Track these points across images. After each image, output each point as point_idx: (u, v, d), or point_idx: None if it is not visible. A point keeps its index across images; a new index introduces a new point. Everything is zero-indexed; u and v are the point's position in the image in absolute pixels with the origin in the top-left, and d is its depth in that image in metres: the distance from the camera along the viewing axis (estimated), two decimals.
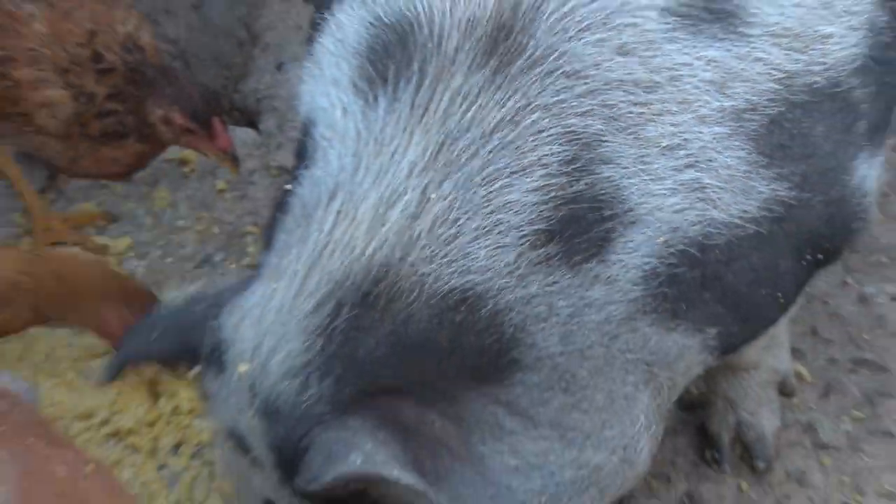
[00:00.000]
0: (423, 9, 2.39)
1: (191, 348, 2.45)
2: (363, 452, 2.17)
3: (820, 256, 2.52)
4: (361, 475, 2.15)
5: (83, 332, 3.42)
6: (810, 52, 2.40)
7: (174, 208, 3.92)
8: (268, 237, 2.45)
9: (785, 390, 3.20)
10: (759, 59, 2.38)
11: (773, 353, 3.12)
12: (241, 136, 3.68)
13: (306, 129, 2.50)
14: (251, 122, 3.93)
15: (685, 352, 2.47)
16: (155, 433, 3.24)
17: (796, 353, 3.26)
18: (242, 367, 2.32)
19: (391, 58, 2.41)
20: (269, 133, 3.99)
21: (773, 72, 2.38)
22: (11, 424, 2.33)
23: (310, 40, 2.62)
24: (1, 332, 3.04)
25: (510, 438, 2.44)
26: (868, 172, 2.56)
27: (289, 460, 2.26)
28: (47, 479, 2.24)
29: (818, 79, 2.41)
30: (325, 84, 2.51)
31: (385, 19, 2.44)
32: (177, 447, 3.21)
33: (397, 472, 2.13)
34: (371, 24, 2.46)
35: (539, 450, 2.45)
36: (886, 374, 3.28)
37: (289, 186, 2.45)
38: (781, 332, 3.06)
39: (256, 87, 4.02)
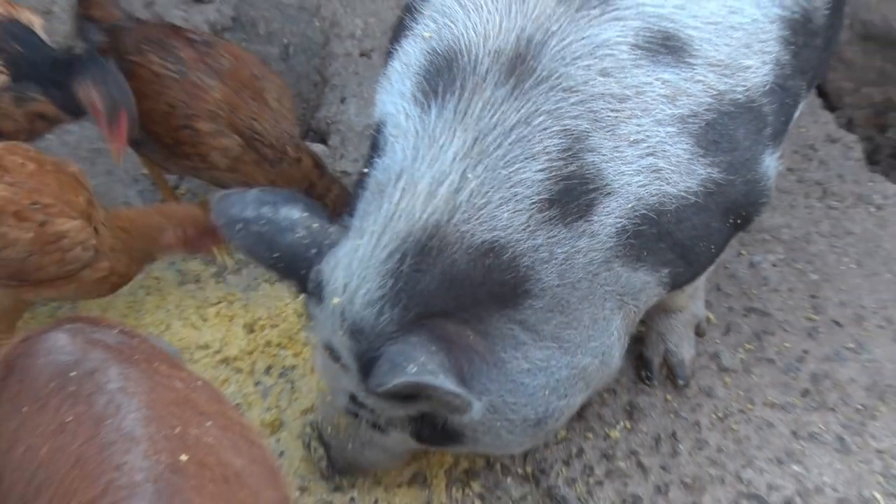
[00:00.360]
0: (464, 43, 2.76)
1: (277, 261, 2.87)
2: (417, 364, 2.55)
3: (738, 220, 2.91)
4: (413, 384, 2.56)
5: (203, 286, 3.83)
6: (735, 77, 2.76)
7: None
8: (351, 207, 2.84)
9: (699, 331, 3.49)
10: (699, 81, 2.72)
11: (694, 301, 3.39)
12: (315, 149, 3.87)
13: (379, 128, 2.87)
14: (322, 139, 4.30)
15: (646, 286, 2.83)
16: (253, 359, 3.53)
17: (706, 304, 3.52)
18: (336, 300, 2.72)
19: (441, 77, 2.76)
20: (334, 147, 4.29)
21: (709, 90, 2.72)
22: (142, 353, 2.49)
23: (385, 63, 3.00)
24: (121, 283, 3.36)
25: (523, 348, 2.77)
26: (770, 163, 2.91)
27: (366, 366, 2.66)
28: (168, 390, 2.40)
29: (740, 96, 2.77)
30: (394, 95, 2.86)
31: (438, 50, 2.79)
32: (268, 369, 3.52)
33: (440, 380, 2.54)
34: (427, 52, 2.81)
35: (543, 356, 2.79)
36: (768, 317, 3.53)
37: (365, 170, 2.88)
38: (701, 287, 3.38)
39: (326, 115, 4.33)
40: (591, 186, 2.68)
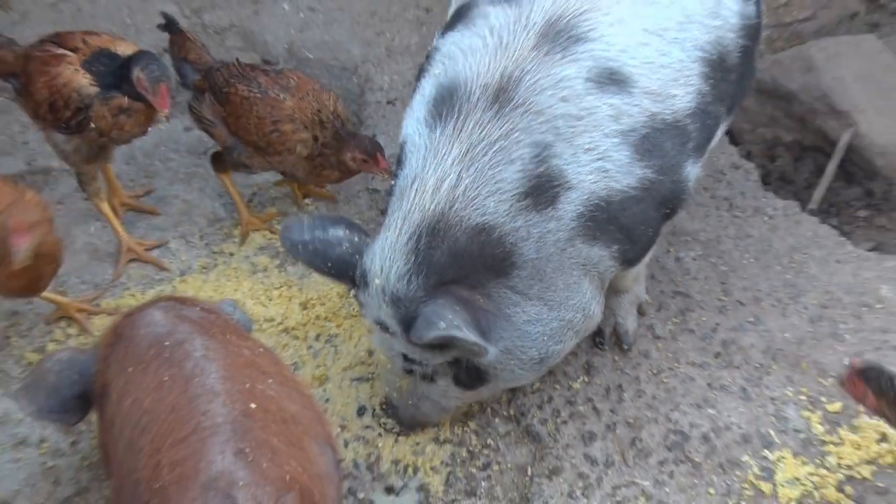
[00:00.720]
0: (462, 79, 2.95)
1: (331, 269, 3.09)
2: (446, 320, 2.78)
3: (668, 211, 3.10)
4: (443, 336, 2.79)
5: (269, 274, 3.96)
6: (665, 102, 2.95)
7: (316, 209, 4.24)
8: (384, 210, 3.12)
9: (639, 309, 3.63)
10: (637, 105, 2.91)
11: (636, 285, 3.54)
12: None
13: (402, 147, 3.08)
14: None
15: (602, 259, 3.01)
16: (306, 329, 3.69)
17: (645, 289, 3.64)
18: (377, 281, 2.93)
19: (444, 104, 2.96)
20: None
21: (645, 111, 2.91)
22: (218, 327, 2.71)
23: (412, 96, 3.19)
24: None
25: (518, 306, 2.97)
26: (692, 170, 3.09)
27: (408, 327, 2.86)
28: (238, 356, 2.59)
29: (669, 117, 2.96)
30: (412, 120, 3.07)
31: (443, 84, 3.01)
32: (317, 336, 3.69)
33: (464, 332, 2.77)
34: (436, 86, 3.03)
35: (535, 312, 2.99)
36: (690, 298, 3.67)
37: (392, 182, 3.12)
38: (641, 274, 3.52)
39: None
40: (556, 183, 2.86)
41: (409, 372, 3.12)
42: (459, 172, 2.87)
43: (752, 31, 3.26)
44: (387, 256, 2.92)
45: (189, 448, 2.29)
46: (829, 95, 4.33)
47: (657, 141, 2.95)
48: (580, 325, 3.11)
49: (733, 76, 3.19)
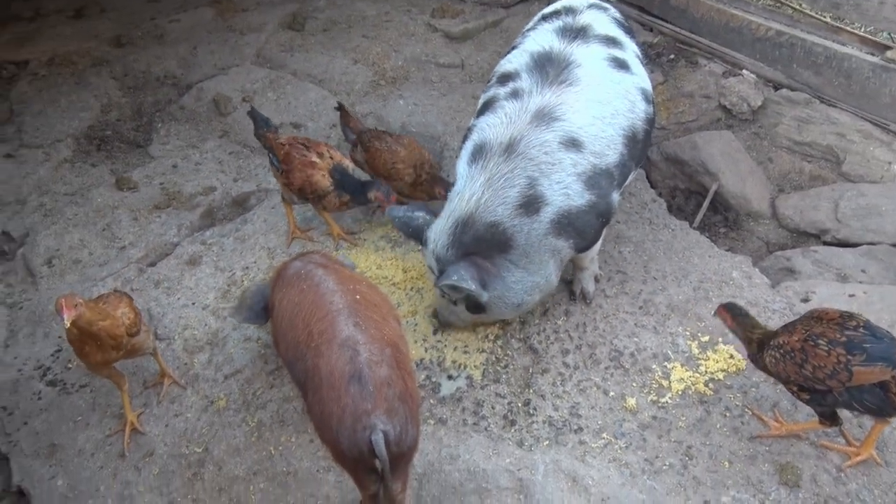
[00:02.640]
0: (488, 139, 2.94)
1: (411, 233, 3.09)
2: (458, 274, 2.87)
3: (603, 221, 3.05)
4: (454, 283, 2.87)
5: (384, 251, 3.74)
6: (602, 158, 2.96)
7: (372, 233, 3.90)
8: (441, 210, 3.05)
9: (596, 279, 3.45)
10: (586, 160, 2.91)
11: (593, 265, 3.38)
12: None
13: (455, 177, 3.07)
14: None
15: (564, 248, 2.98)
16: (405, 284, 3.55)
17: (600, 267, 3.52)
18: (430, 246, 2.98)
19: (478, 153, 2.96)
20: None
21: (591, 163, 2.92)
22: (333, 265, 2.77)
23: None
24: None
25: (510, 271, 2.94)
26: (615, 197, 3.06)
27: (440, 275, 2.94)
28: (346, 278, 2.64)
29: (604, 167, 2.96)
30: (461, 162, 3.06)
31: (477, 143, 2.99)
32: (411, 288, 3.52)
33: (468, 283, 2.85)
34: (474, 144, 3.01)
35: (520, 275, 2.97)
36: (625, 274, 3.53)
37: (447, 195, 3.12)
38: (595, 259, 3.37)
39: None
40: (539, 200, 2.86)
41: (443, 296, 3.11)
42: (483, 191, 2.89)
43: (651, 122, 3.27)
44: (438, 234, 2.97)
45: (327, 322, 2.39)
46: (705, 163, 4.23)
47: (597, 180, 2.96)
48: (544, 287, 3.08)
49: (640, 145, 3.17)
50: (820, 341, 2.41)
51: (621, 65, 3.16)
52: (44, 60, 5.12)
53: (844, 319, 2.44)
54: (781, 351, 2.51)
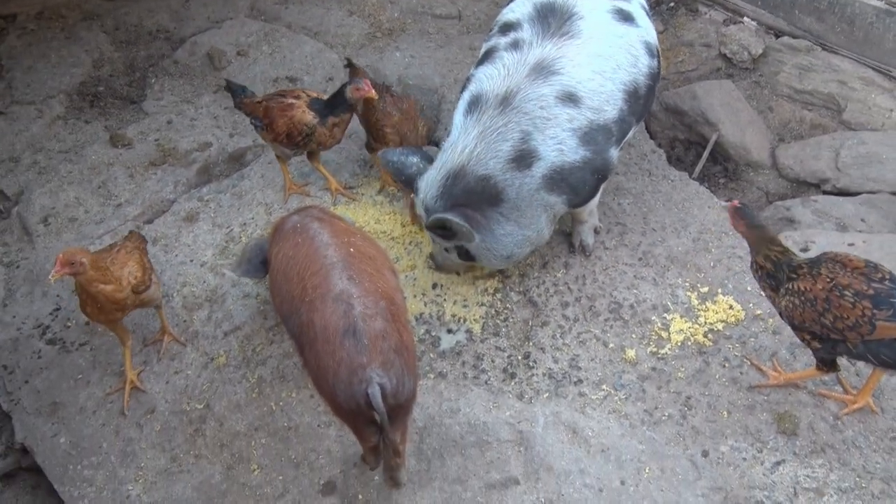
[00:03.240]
0: (484, 91, 2.88)
1: (404, 181, 3.01)
2: (450, 217, 2.78)
3: (599, 177, 3.00)
4: (448, 220, 2.77)
5: (383, 206, 3.64)
6: (600, 114, 2.88)
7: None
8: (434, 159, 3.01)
9: (595, 230, 3.39)
10: (583, 115, 2.84)
11: (592, 217, 3.33)
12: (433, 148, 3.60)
13: (451, 127, 2.99)
14: (436, 143, 3.78)
15: (556, 203, 2.93)
16: (404, 238, 3.48)
17: (599, 218, 3.42)
18: (421, 195, 2.92)
19: (474, 104, 2.90)
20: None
21: (587, 118, 2.85)
22: (329, 218, 2.73)
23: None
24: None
25: (499, 224, 2.89)
26: (614, 153, 2.99)
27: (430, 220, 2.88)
28: (342, 231, 2.61)
29: (601, 122, 2.89)
30: (458, 112, 2.99)
31: (474, 94, 2.92)
32: (410, 242, 3.46)
33: (459, 221, 2.77)
34: (471, 95, 2.94)
35: (510, 228, 2.91)
36: (625, 226, 3.46)
37: (443, 143, 2.99)
38: (594, 212, 3.33)
39: (438, 134, 3.95)
40: (532, 155, 2.82)
41: (435, 241, 3.08)
42: (475, 143, 2.83)
43: (655, 77, 3.17)
44: (429, 184, 2.92)
45: (321, 276, 2.36)
46: (705, 113, 4.15)
47: (593, 136, 2.90)
48: (535, 240, 3.04)
49: (641, 101, 3.08)
50: (846, 293, 2.30)
51: (625, 17, 3.06)
52: (32, 14, 4.94)
53: (870, 270, 2.34)
54: (802, 298, 2.38)
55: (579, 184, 2.94)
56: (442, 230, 2.89)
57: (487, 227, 2.90)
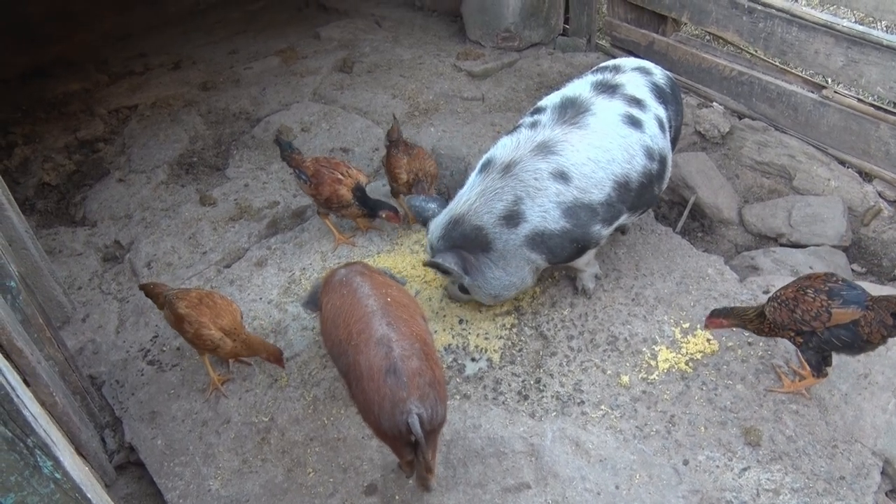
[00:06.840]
0: (495, 156, 2.88)
1: (422, 222, 3.03)
2: (445, 259, 2.83)
3: (579, 246, 2.90)
4: (439, 264, 2.82)
5: (402, 252, 3.59)
6: (586, 195, 2.83)
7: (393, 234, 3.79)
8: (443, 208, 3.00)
9: (597, 277, 3.32)
10: (570, 192, 2.80)
11: (590, 267, 3.23)
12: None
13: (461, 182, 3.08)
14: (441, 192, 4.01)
15: (538, 259, 2.90)
16: (438, 280, 3.38)
17: (600, 265, 3.37)
18: (429, 236, 2.93)
19: (485, 168, 2.89)
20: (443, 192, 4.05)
21: (573, 196, 2.80)
22: (370, 273, 2.60)
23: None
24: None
25: (489, 268, 2.88)
26: (598, 230, 2.90)
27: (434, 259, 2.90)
28: (380, 283, 2.50)
29: (586, 201, 2.83)
30: (475, 170, 2.97)
31: (488, 158, 2.92)
32: (439, 284, 3.39)
33: (448, 264, 2.79)
34: (486, 157, 2.95)
35: (498, 273, 2.90)
36: (620, 272, 3.39)
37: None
38: (593, 262, 3.22)
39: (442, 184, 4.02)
40: (520, 216, 2.79)
41: (445, 277, 3.12)
42: (476, 198, 2.82)
43: (650, 177, 3.00)
44: (436, 226, 2.92)
45: (364, 322, 2.30)
46: (685, 178, 4.04)
47: (576, 211, 2.83)
48: (519, 286, 3.00)
49: (633, 194, 2.96)
50: (808, 290, 2.51)
51: (634, 122, 2.95)
52: (149, 104, 5.22)
53: (828, 277, 2.54)
54: (778, 301, 2.57)
55: (557, 248, 2.88)
56: (436, 268, 2.90)
57: (479, 270, 2.87)
